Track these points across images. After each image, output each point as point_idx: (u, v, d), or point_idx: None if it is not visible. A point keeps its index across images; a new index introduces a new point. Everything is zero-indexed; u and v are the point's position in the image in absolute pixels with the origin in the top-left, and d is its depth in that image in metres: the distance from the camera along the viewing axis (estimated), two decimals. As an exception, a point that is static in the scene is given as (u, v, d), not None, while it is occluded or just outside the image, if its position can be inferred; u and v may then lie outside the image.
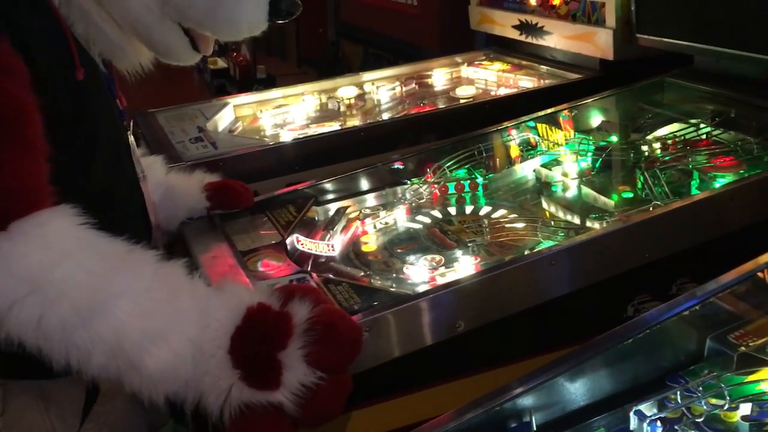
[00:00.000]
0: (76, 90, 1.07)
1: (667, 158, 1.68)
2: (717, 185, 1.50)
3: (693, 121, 1.85)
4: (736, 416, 0.89)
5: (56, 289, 0.89)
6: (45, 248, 0.90)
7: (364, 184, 1.80)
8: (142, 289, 0.95)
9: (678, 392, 0.91)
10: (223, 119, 2.42)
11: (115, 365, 0.93)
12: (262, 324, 0.98)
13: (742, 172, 1.54)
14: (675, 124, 1.89)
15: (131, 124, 1.34)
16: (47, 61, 1.02)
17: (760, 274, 1.07)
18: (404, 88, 2.66)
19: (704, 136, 1.77)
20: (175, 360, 0.94)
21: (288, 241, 1.51)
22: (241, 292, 1.04)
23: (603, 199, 1.61)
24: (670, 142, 1.78)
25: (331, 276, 1.37)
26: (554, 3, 2.50)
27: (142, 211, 1.28)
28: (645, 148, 1.79)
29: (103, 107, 1.17)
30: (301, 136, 2.23)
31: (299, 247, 1.50)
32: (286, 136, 2.28)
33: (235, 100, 2.56)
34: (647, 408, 0.91)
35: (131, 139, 1.30)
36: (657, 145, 1.78)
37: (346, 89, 2.61)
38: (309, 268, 1.43)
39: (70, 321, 0.90)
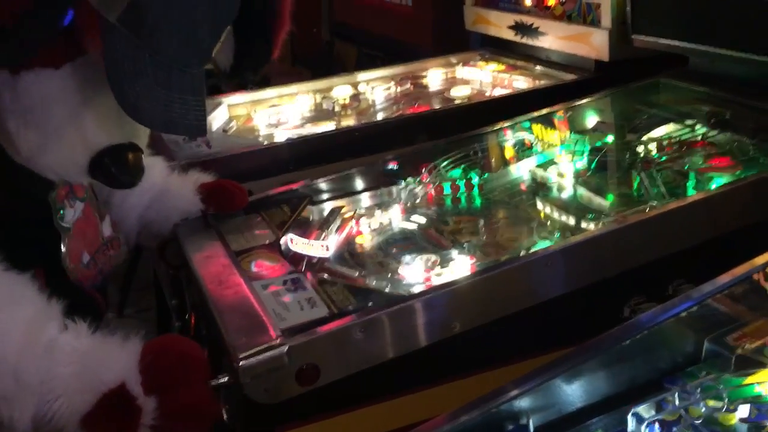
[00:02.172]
0: None
1: (663, 159, 1.67)
2: (713, 186, 1.50)
3: (689, 122, 1.85)
4: (735, 418, 0.89)
5: None
6: None
7: (359, 183, 1.79)
8: None
9: (676, 394, 0.90)
10: (216, 119, 2.40)
11: None
12: (109, 417, 0.98)
13: (738, 173, 1.53)
14: (670, 124, 1.88)
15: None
16: None
17: (755, 276, 1.06)
18: (399, 89, 2.65)
19: (700, 137, 1.77)
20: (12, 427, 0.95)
21: (282, 241, 1.50)
22: (106, 363, 1.01)
23: (598, 199, 1.60)
24: (665, 143, 1.77)
25: (325, 276, 1.36)
26: (549, 4, 2.50)
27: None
28: (641, 148, 1.78)
29: None
30: (295, 136, 2.22)
31: (292, 247, 1.49)
32: (281, 136, 2.27)
33: (229, 99, 2.54)
34: (645, 410, 0.90)
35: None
36: (653, 146, 1.77)
37: (340, 89, 2.60)
38: (303, 269, 1.42)
39: None
